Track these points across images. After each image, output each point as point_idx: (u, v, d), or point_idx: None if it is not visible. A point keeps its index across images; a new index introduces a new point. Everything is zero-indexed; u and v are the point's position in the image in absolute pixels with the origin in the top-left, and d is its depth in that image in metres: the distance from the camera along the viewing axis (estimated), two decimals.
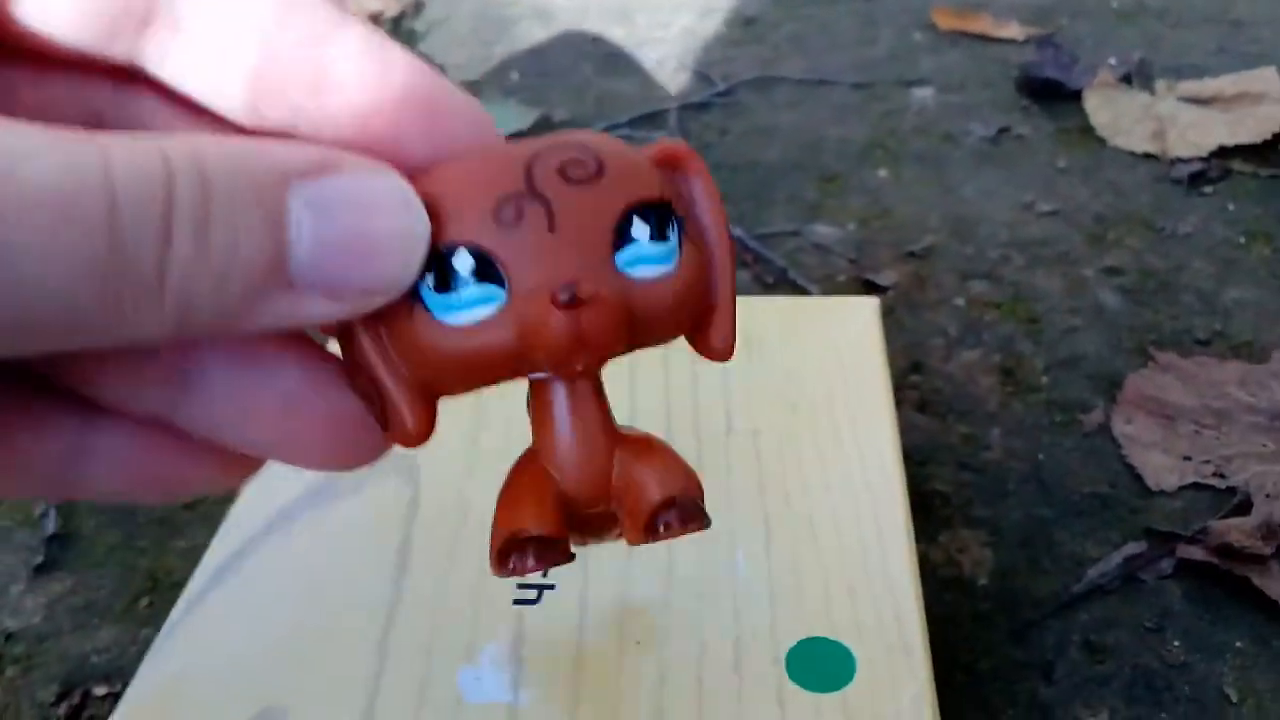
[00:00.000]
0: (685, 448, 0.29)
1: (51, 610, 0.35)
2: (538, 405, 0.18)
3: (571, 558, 0.18)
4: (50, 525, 0.38)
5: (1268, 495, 0.36)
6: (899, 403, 0.41)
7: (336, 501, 0.28)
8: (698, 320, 0.18)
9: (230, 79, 0.16)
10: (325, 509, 0.28)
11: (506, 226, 0.16)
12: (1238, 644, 0.32)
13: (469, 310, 0.16)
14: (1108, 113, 0.58)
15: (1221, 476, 0.37)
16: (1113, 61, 0.65)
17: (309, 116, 0.17)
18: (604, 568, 0.26)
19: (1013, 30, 0.70)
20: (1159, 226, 0.51)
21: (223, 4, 0.16)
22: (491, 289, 0.16)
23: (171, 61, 0.16)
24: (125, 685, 0.25)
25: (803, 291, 0.47)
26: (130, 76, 0.18)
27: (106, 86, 0.18)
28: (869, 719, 0.22)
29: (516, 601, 0.25)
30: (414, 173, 0.17)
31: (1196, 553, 0.34)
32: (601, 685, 0.23)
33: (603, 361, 0.17)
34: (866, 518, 0.27)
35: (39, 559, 0.37)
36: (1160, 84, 0.61)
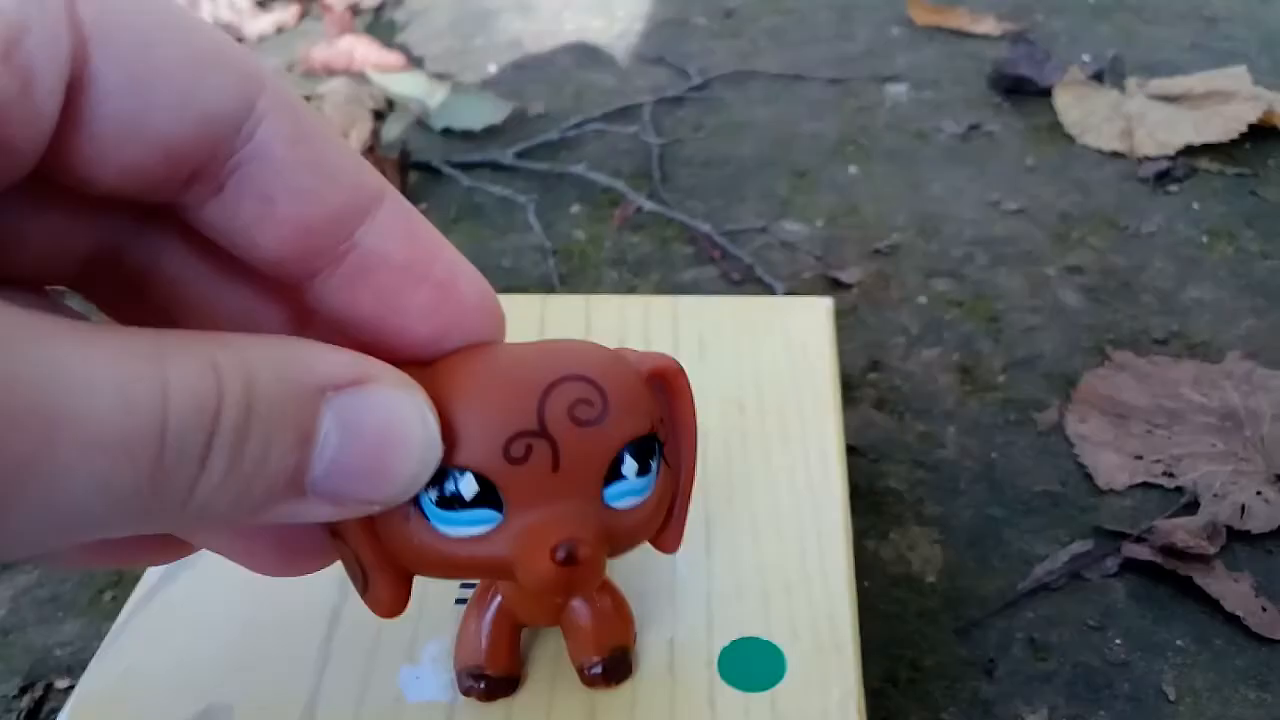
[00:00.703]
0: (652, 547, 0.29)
1: (16, 603, 0.36)
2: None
3: (515, 689, 0.23)
4: None
5: (1215, 495, 0.36)
6: (857, 400, 0.42)
7: None
8: (655, 533, 0.21)
9: (266, 238, 0.17)
10: None
11: (515, 461, 0.17)
12: (1178, 643, 0.32)
13: (466, 527, 0.18)
14: (1077, 110, 0.59)
15: (1171, 476, 0.37)
16: (1086, 58, 0.65)
17: (333, 287, 0.18)
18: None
19: (989, 25, 0.70)
20: (1123, 225, 0.51)
21: (268, 172, 0.17)
22: (490, 512, 0.18)
23: (209, 212, 0.17)
24: None
25: (768, 289, 0.48)
26: (156, 230, 0.18)
27: (131, 220, 0.18)
28: (797, 718, 0.23)
29: (459, 601, 0.26)
30: (425, 363, 0.18)
31: (1142, 552, 0.34)
32: (536, 686, 0.24)
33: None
34: (807, 517, 0.28)
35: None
36: (1131, 81, 0.61)
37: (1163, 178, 0.54)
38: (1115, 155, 0.56)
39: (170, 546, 0.20)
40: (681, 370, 0.20)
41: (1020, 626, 0.33)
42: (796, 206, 0.54)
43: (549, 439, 0.17)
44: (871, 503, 0.37)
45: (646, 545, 0.24)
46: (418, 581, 0.26)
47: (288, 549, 0.20)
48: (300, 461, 0.15)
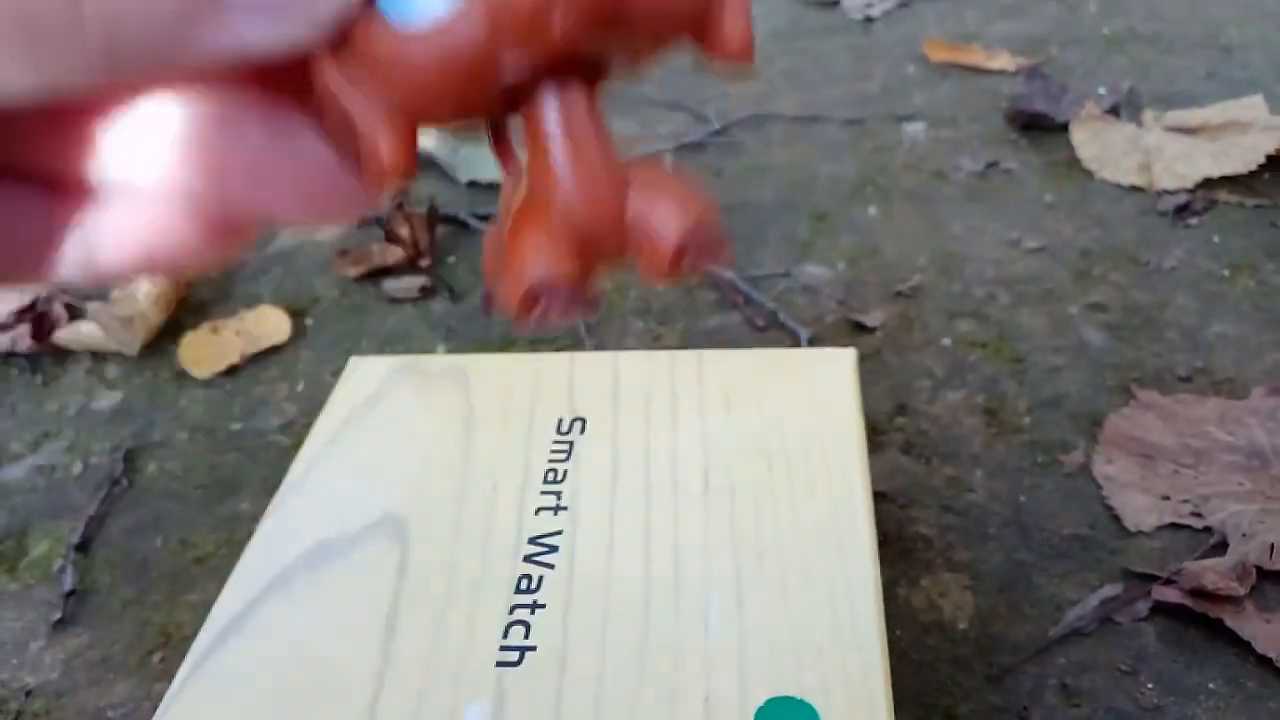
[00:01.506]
0: (663, 506, 0.30)
1: (69, 666, 0.37)
2: (531, 140, 0.16)
3: (594, 307, 0.17)
4: (68, 581, 0.40)
5: (1244, 535, 0.36)
6: (884, 446, 0.42)
7: (330, 562, 0.30)
8: (701, 10, 0.15)
9: None
10: (319, 570, 0.30)
11: None
12: (1211, 685, 0.33)
13: (425, 10, 0.14)
14: (1095, 145, 0.59)
15: (1199, 516, 0.38)
16: (1102, 91, 0.66)
17: None
18: (582, 630, 0.27)
19: (1004, 61, 0.71)
20: (1144, 260, 0.52)
21: None
22: None
23: None
24: None
25: (792, 334, 0.48)
26: None
27: None
28: None
29: (499, 664, 0.26)
30: None
31: (1172, 594, 0.35)
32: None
33: (586, 39, 0.14)
34: (837, 572, 0.28)
35: (57, 615, 0.39)
36: (1148, 114, 0.62)
37: (1182, 211, 0.54)
38: (1134, 189, 0.57)
39: (204, 227, 0.17)
40: None
41: (1053, 673, 0.33)
42: (817, 250, 0.55)
43: None
44: (901, 549, 0.38)
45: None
46: (458, 648, 0.27)
47: (309, 182, 0.17)
48: None
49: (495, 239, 0.17)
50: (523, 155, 0.16)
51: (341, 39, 0.14)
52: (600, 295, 0.17)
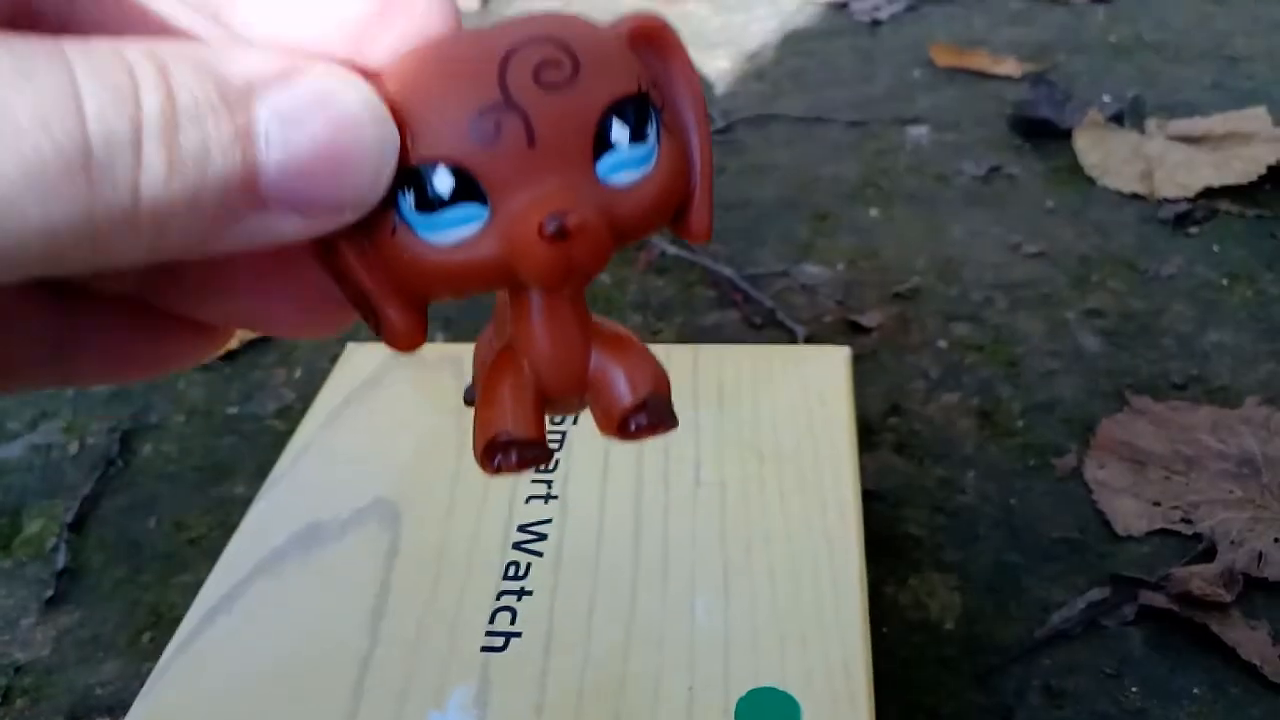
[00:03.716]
0: (654, 497, 0.30)
1: (59, 643, 0.37)
2: (515, 306, 0.18)
3: (550, 457, 0.19)
4: (61, 560, 0.40)
5: (1232, 542, 0.37)
6: (877, 445, 0.42)
7: (321, 545, 0.30)
8: (677, 209, 0.18)
9: None
10: (310, 552, 0.30)
11: (485, 142, 0.15)
12: (1195, 690, 0.33)
13: (453, 229, 0.16)
14: (1097, 152, 0.59)
15: (1189, 522, 0.38)
16: (1106, 99, 0.66)
17: (254, 13, 0.16)
18: (568, 618, 0.27)
19: (1010, 67, 0.71)
20: (1143, 268, 0.52)
21: None
22: (474, 208, 0.16)
23: None
24: None
25: (789, 332, 0.48)
26: None
27: None
28: None
29: (485, 649, 0.26)
30: (372, 73, 0.16)
31: (1159, 599, 0.35)
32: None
33: (589, 279, 0.17)
34: (824, 568, 0.28)
35: (49, 592, 0.39)
36: (1151, 123, 0.62)
37: (1183, 220, 0.54)
38: (1135, 197, 0.57)
39: (191, 335, 0.19)
40: (668, 24, 0.17)
41: (1038, 674, 0.33)
42: (817, 250, 0.55)
43: (517, 109, 0.15)
44: (890, 548, 0.38)
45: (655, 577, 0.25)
46: (444, 630, 0.27)
47: (307, 305, 0.19)
48: (246, 159, 0.14)
49: (483, 350, 0.20)
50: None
51: (360, 227, 0.16)
52: (553, 451, 0.20)
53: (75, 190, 0.13)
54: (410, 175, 0.16)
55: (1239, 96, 0.65)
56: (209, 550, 0.40)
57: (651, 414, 0.18)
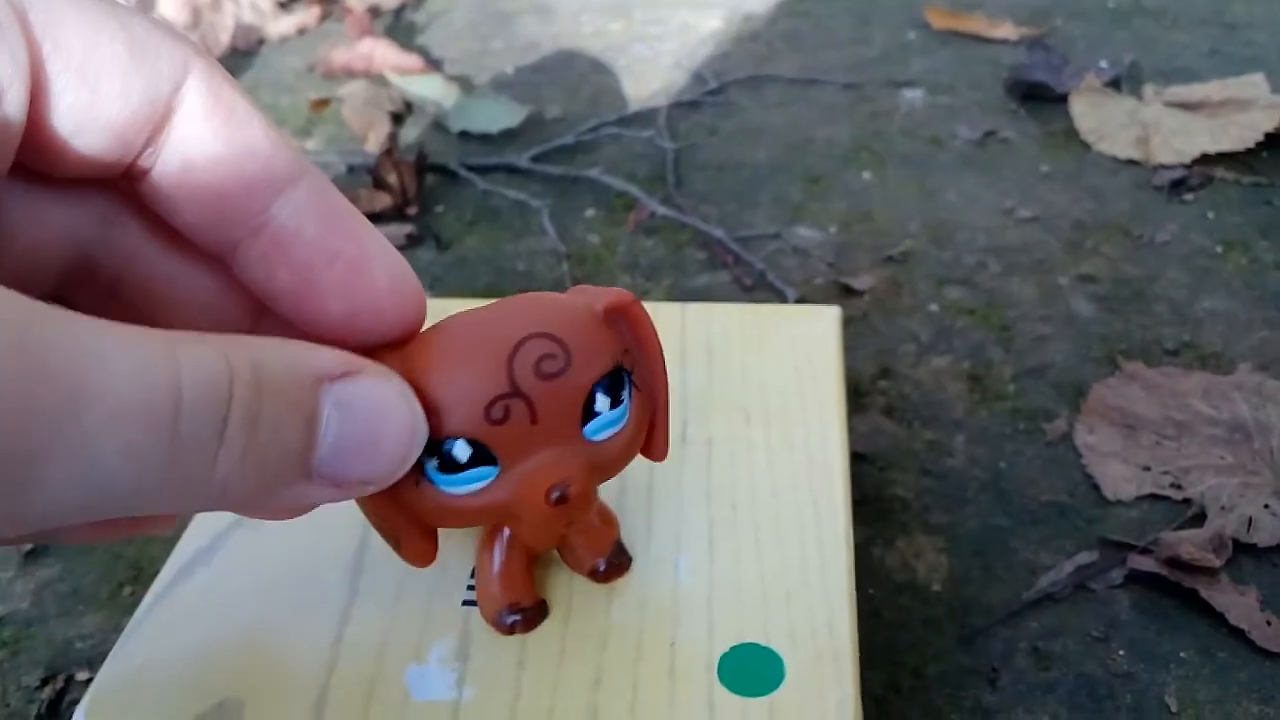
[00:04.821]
0: (643, 457, 0.30)
1: (39, 596, 0.37)
2: None
3: (548, 614, 0.25)
4: None
5: (1222, 507, 0.36)
6: (866, 407, 0.42)
7: None
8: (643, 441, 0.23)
9: (186, 203, 0.19)
10: None
11: (496, 422, 0.19)
12: (1182, 655, 0.33)
13: (468, 485, 0.20)
14: (1093, 118, 0.59)
15: (1178, 488, 0.37)
16: (1104, 64, 0.65)
17: (253, 259, 0.20)
18: (550, 572, 0.27)
19: (1006, 30, 0.70)
20: (1137, 234, 0.51)
21: (189, 141, 0.19)
22: (486, 469, 0.20)
23: (149, 183, 0.19)
24: None
25: (780, 295, 0.48)
26: (114, 212, 0.20)
27: (91, 219, 0.20)
28: None
29: (465, 603, 0.26)
30: (395, 347, 0.20)
31: (1147, 563, 0.35)
32: (540, 684, 0.24)
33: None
34: (809, 527, 0.28)
35: (29, 545, 0.38)
36: (1148, 89, 0.61)
37: (1178, 186, 0.54)
38: (1130, 163, 0.56)
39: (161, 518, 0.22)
40: (635, 300, 0.22)
41: (1024, 636, 0.33)
42: (810, 212, 0.54)
43: (523, 397, 0.20)
44: (878, 510, 0.38)
45: (651, 555, 0.25)
46: (425, 586, 0.26)
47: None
48: (308, 442, 0.17)
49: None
50: None
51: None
52: (546, 613, 0.26)
53: (161, 462, 0.15)
54: (435, 445, 0.20)
55: (1237, 64, 0.65)
56: None
57: (611, 562, 0.26)
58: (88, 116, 0.18)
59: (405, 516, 0.21)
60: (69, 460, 0.14)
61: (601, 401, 0.21)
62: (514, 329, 0.20)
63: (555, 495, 0.20)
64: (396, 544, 0.22)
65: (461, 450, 0.20)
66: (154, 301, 0.21)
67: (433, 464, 0.20)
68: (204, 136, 0.19)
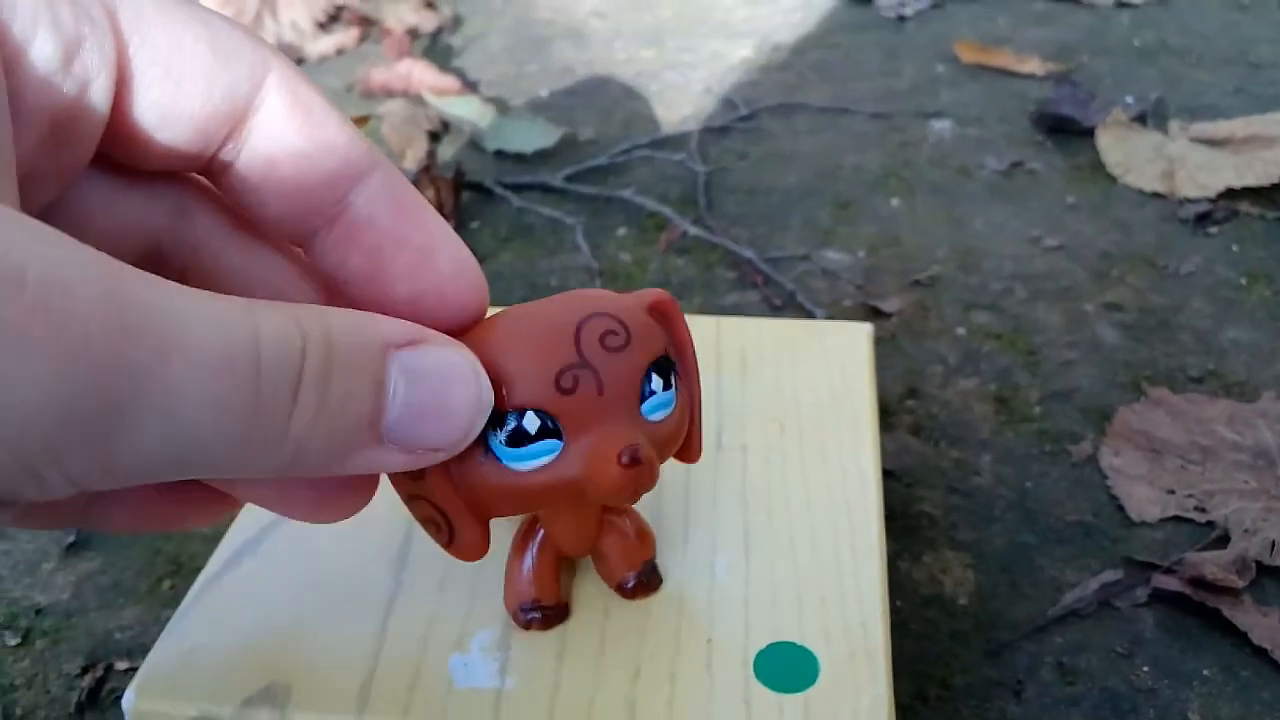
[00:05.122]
0: (677, 460, 0.30)
1: (79, 588, 0.38)
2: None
3: (568, 616, 0.26)
4: None
5: (1246, 530, 0.37)
6: (894, 426, 0.42)
7: None
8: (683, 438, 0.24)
9: (270, 197, 0.20)
10: None
11: (566, 392, 0.20)
12: (1205, 672, 0.33)
13: (535, 460, 0.20)
14: (1119, 151, 0.60)
15: (1202, 511, 0.38)
16: (1130, 100, 0.66)
17: (329, 245, 0.21)
18: (590, 572, 0.27)
19: (1034, 65, 0.71)
20: (1162, 265, 0.52)
21: (271, 139, 0.19)
22: (553, 442, 0.20)
23: (231, 177, 0.20)
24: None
25: (809, 315, 0.49)
26: (184, 204, 0.21)
27: (165, 211, 0.21)
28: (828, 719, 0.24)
29: None
30: (465, 332, 0.21)
31: (1171, 583, 0.35)
32: (579, 676, 0.25)
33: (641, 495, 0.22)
34: (843, 534, 0.29)
35: (70, 539, 0.39)
36: (1174, 124, 0.62)
37: (1203, 219, 0.55)
38: (1156, 196, 0.57)
39: (213, 502, 0.22)
40: (674, 300, 0.23)
41: (1049, 651, 0.34)
42: (839, 236, 0.55)
43: (591, 368, 0.20)
44: (906, 526, 0.38)
45: (683, 542, 0.25)
46: (467, 579, 0.27)
47: (321, 495, 0.22)
48: (377, 406, 0.18)
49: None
50: None
51: (451, 461, 0.20)
52: (566, 616, 0.26)
53: (243, 416, 0.16)
54: (501, 418, 0.20)
55: (1262, 102, 0.65)
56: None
57: (640, 579, 0.26)
58: (172, 111, 0.19)
59: (463, 502, 0.21)
60: (158, 410, 0.15)
61: (656, 382, 0.21)
62: (576, 310, 0.21)
63: (627, 457, 0.20)
64: (449, 537, 0.22)
65: (531, 422, 0.20)
66: (220, 290, 0.22)
67: (498, 438, 0.20)
68: (286, 134, 0.19)
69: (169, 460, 0.15)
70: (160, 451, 0.15)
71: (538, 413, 0.20)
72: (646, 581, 0.26)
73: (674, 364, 0.22)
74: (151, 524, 0.23)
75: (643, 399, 0.21)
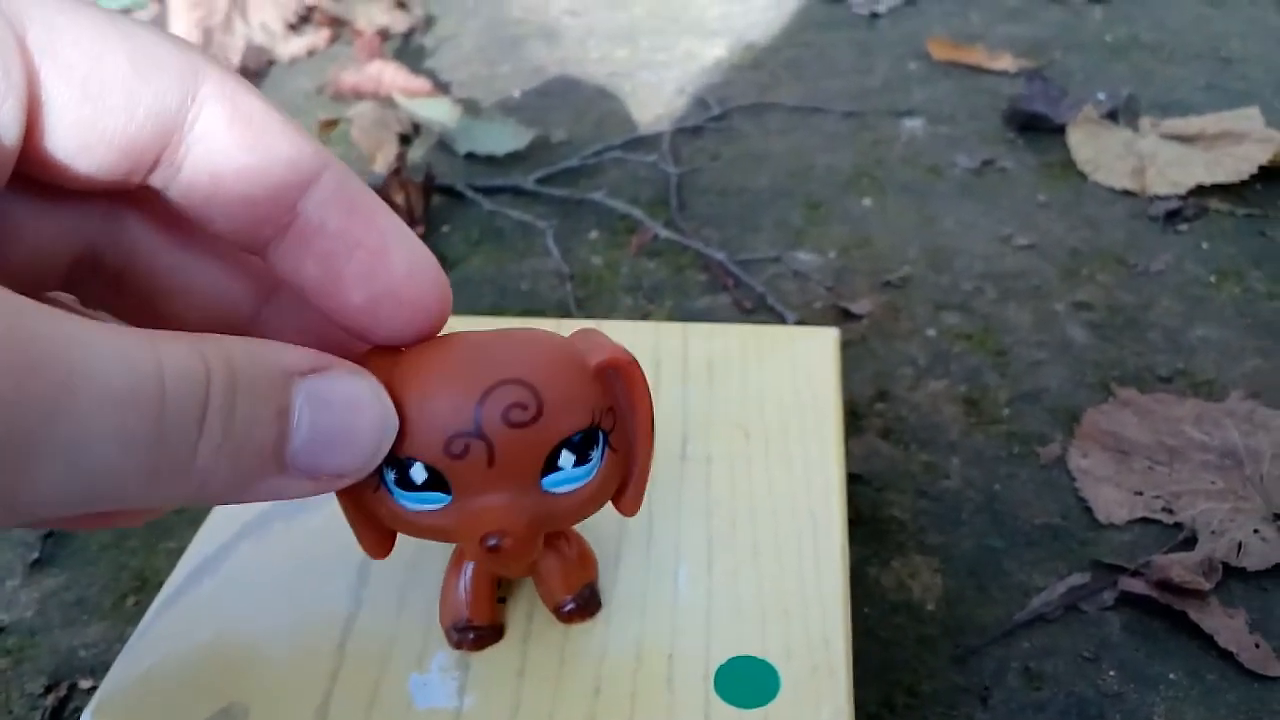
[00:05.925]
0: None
1: (43, 605, 0.37)
2: None
3: (501, 637, 0.26)
4: None
5: (1213, 532, 0.37)
6: (863, 429, 0.42)
7: (306, 513, 0.30)
8: (616, 491, 0.23)
9: (218, 212, 0.20)
10: (296, 519, 0.30)
11: (454, 457, 0.20)
12: (1171, 676, 0.33)
13: (421, 504, 0.21)
14: (1090, 148, 0.60)
15: (1170, 512, 0.38)
16: (1101, 96, 0.66)
17: (283, 254, 0.20)
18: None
19: (1006, 62, 0.72)
20: (1132, 263, 0.52)
21: (213, 153, 0.19)
22: (439, 495, 0.21)
23: (173, 192, 0.19)
24: None
25: (779, 318, 0.49)
26: (116, 210, 0.21)
27: (97, 218, 0.20)
28: None
29: None
30: (396, 350, 0.21)
31: (1138, 586, 0.35)
32: (539, 694, 0.25)
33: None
34: (807, 544, 0.29)
35: (35, 555, 0.39)
36: (1144, 120, 0.62)
37: (1173, 217, 0.55)
38: (1127, 193, 0.57)
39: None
40: (633, 361, 0.22)
41: (1016, 656, 0.34)
42: (810, 237, 0.55)
43: (484, 439, 0.20)
44: (874, 530, 0.38)
45: (658, 567, 0.25)
46: (426, 597, 0.27)
47: None
48: (281, 434, 0.17)
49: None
50: None
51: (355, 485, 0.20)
52: (499, 636, 0.26)
53: (148, 449, 0.16)
54: (395, 460, 0.20)
55: (1232, 97, 0.66)
56: (195, 519, 0.40)
57: (578, 603, 0.26)
58: (92, 134, 0.18)
59: (365, 516, 0.22)
60: (63, 444, 0.14)
61: (566, 458, 0.21)
62: (495, 369, 0.20)
63: (491, 543, 0.20)
64: (357, 537, 0.23)
65: (419, 473, 0.20)
66: (158, 291, 0.22)
67: (391, 476, 0.20)
68: (228, 147, 0.19)
69: (74, 495, 0.15)
70: (66, 486, 0.15)
71: (426, 467, 0.20)
72: (584, 605, 0.26)
73: (604, 432, 0.22)
74: (85, 523, 0.22)
75: (547, 472, 0.21)
